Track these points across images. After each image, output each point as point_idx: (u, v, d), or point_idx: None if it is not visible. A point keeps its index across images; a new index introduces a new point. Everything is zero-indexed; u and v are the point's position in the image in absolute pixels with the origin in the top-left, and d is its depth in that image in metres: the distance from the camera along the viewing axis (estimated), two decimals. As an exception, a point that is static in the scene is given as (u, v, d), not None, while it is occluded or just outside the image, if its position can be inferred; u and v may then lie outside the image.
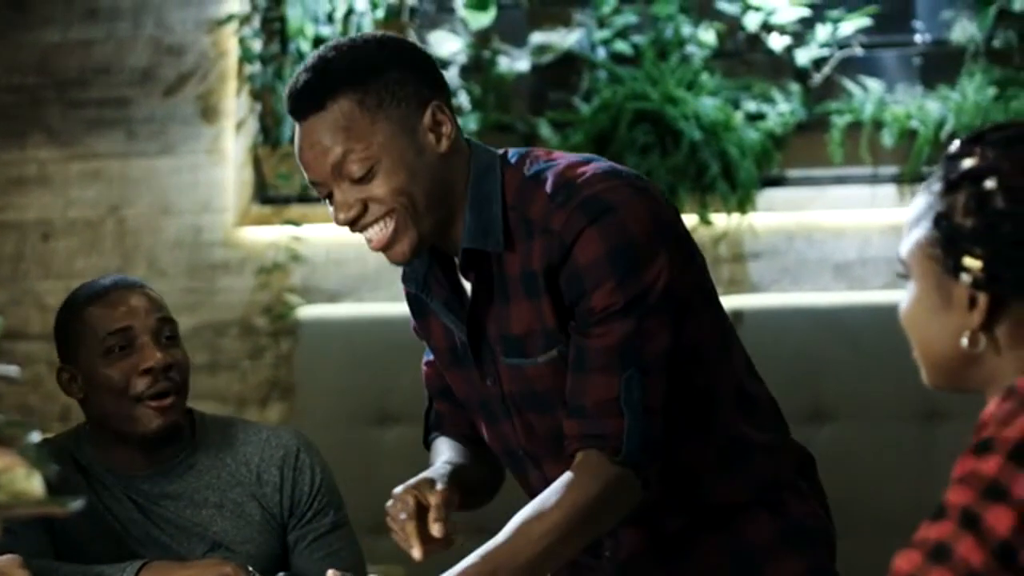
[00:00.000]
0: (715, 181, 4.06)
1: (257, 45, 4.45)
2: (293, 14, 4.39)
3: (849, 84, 4.12)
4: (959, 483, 1.36)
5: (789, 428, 2.19)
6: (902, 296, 1.54)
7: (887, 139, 4.03)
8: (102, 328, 2.40)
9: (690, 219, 4.11)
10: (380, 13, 4.37)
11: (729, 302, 3.92)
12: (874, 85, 4.11)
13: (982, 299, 1.45)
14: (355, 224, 2.00)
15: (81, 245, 4.55)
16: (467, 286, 2.08)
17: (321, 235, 4.36)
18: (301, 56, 4.37)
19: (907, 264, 1.52)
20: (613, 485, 1.95)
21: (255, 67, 4.45)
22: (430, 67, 2.04)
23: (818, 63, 4.15)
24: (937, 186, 1.49)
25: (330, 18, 4.39)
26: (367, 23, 4.37)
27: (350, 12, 4.38)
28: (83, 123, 4.57)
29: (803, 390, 3.80)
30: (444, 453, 2.17)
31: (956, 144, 1.51)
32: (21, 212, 4.59)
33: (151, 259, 4.50)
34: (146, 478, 2.43)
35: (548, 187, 1.98)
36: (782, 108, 4.13)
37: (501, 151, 2.07)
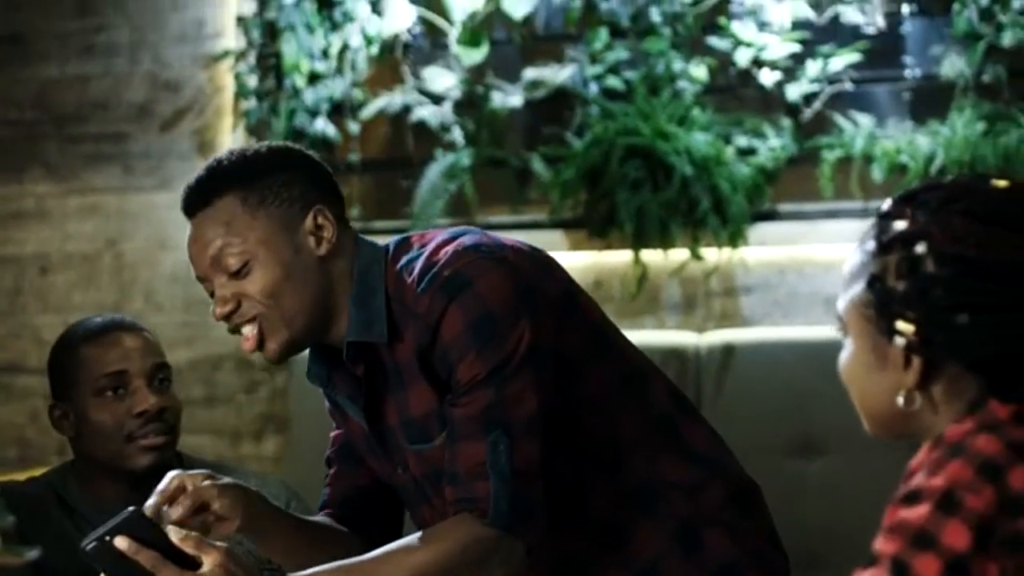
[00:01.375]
0: (707, 216, 4.09)
1: (253, 81, 4.48)
2: (288, 50, 4.42)
3: (839, 119, 4.14)
4: (889, 532, 1.39)
5: (728, 459, 2.18)
6: (842, 351, 1.56)
7: (877, 173, 4.06)
8: (96, 369, 2.42)
9: (682, 253, 4.14)
10: (374, 49, 4.40)
11: (720, 336, 3.99)
12: (864, 120, 4.13)
13: (916, 361, 1.47)
14: (229, 320, 2.05)
15: (79, 279, 4.57)
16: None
17: (316, 269, 4.38)
18: (296, 92, 4.40)
19: (843, 321, 1.55)
20: (481, 545, 1.97)
21: (251, 103, 4.47)
22: (320, 174, 2.11)
23: (809, 98, 4.18)
24: (870, 246, 1.52)
25: (325, 54, 4.42)
26: (361, 59, 4.40)
27: (344, 48, 4.41)
28: (81, 158, 4.60)
29: (794, 424, 3.81)
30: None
31: (888, 203, 1.53)
32: (19, 246, 4.62)
33: (148, 293, 4.52)
34: None
35: (415, 275, 2.03)
36: (773, 143, 4.15)
37: (385, 244, 2.12)
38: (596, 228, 4.20)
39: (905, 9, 4.18)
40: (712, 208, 4.09)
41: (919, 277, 1.47)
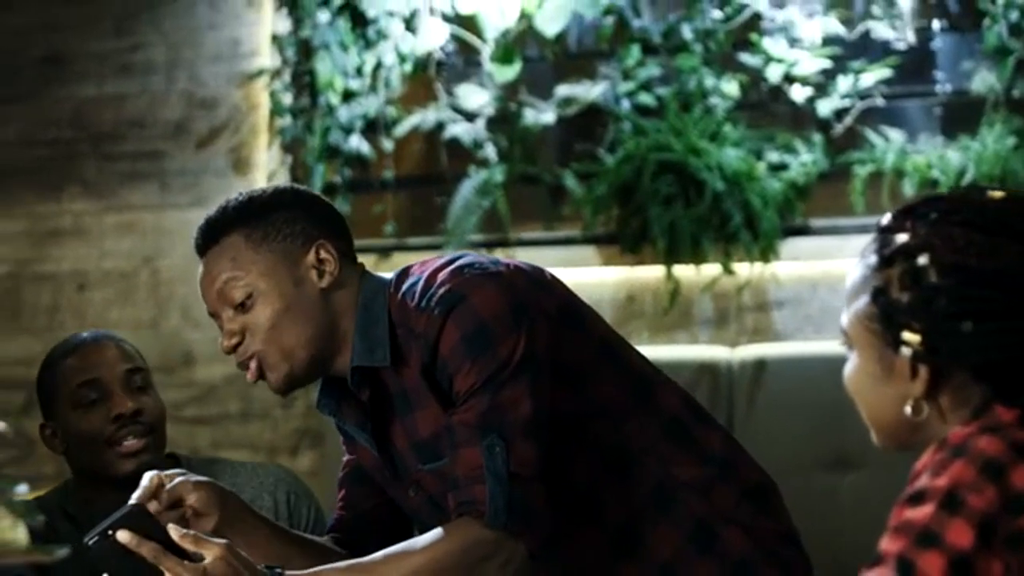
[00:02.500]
0: (738, 231, 4.11)
1: (288, 98, 4.52)
2: (323, 68, 4.46)
3: (871, 134, 4.16)
4: (894, 532, 1.42)
5: (742, 459, 2.21)
6: (847, 364, 1.59)
7: (908, 188, 4.07)
8: (73, 380, 2.48)
9: (714, 269, 4.16)
10: (408, 67, 4.44)
11: (753, 351, 4.01)
12: (895, 135, 4.14)
13: (923, 370, 1.50)
14: (235, 352, 2.14)
15: (116, 296, 4.61)
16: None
17: (351, 285, 4.41)
18: (331, 109, 4.44)
19: (848, 335, 1.58)
20: (480, 547, 2.01)
21: (285, 120, 4.52)
22: (324, 212, 2.20)
23: (840, 114, 4.19)
24: (872, 260, 1.55)
25: (359, 72, 4.46)
26: (395, 77, 4.44)
27: (378, 66, 4.45)
28: (118, 176, 4.65)
29: (827, 438, 3.82)
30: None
31: (888, 217, 1.56)
32: (57, 264, 4.66)
33: (184, 309, 4.56)
34: None
35: (415, 298, 2.10)
36: (804, 158, 4.17)
37: (389, 275, 2.19)
38: (628, 244, 4.22)
39: (936, 25, 4.19)
40: (744, 223, 4.11)
41: (923, 288, 1.50)
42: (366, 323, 2.13)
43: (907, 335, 1.50)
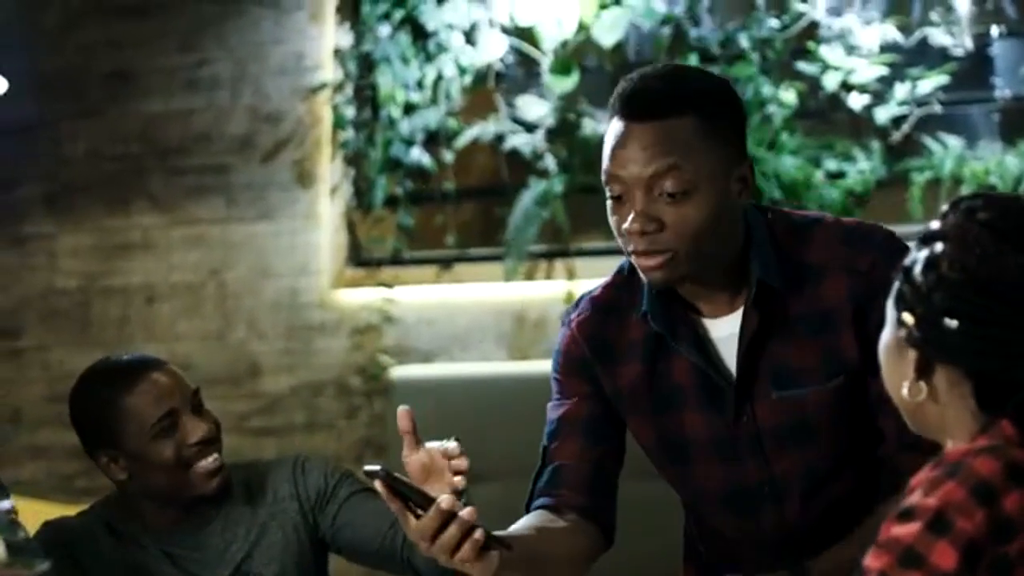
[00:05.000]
0: (796, 239, 4.11)
1: (350, 112, 4.57)
2: (384, 81, 4.51)
3: (929, 141, 4.16)
4: (879, 548, 1.42)
5: None
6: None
7: (967, 195, 4.07)
8: (148, 416, 2.46)
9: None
10: (468, 79, 4.48)
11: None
12: (953, 142, 4.14)
13: (911, 353, 1.51)
14: (642, 236, 2.00)
15: (183, 308, 4.67)
16: (720, 327, 2.10)
17: (412, 296, 4.46)
18: (392, 122, 4.49)
19: (886, 308, 1.58)
20: None
21: (348, 133, 4.57)
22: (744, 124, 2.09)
23: (897, 121, 4.19)
24: (916, 241, 1.56)
25: (420, 85, 4.50)
26: (455, 89, 4.47)
27: (439, 79, 4.49)
28: (184, 190, 4.71)
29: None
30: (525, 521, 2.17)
31: (946, 205, 1.57)
32: (126, 277, 4.73)
33: (251, 321, 4.61)
34: (180, 532, 2.52)
35: (837, 234, 2.08)
36: (862, 166, 4.17)
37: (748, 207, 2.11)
38: (687, 252, 4.23)
39: (994, 30, 4.19)
40: (802, 231, 4.10)
41: (932, 275, 1.50)
42: (758, 243, 2.06)
43: (905, 316, 1.51)
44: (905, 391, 1.53)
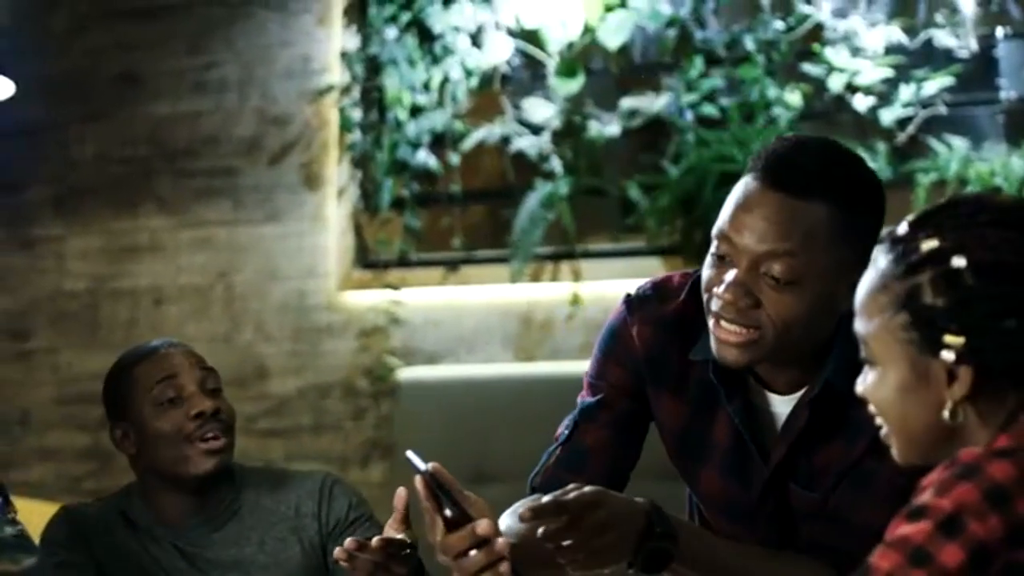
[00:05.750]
0: (802, 241, 4.11)
1: (357, 114, 4.58)
2: (391, 84, 4.52)
3: (934, 143, 4.15)
4: (888, 547, 1.41)
5: None
6: (866, 377, 1.57)
7: (972, 196, 4.07)
8: (149, 380, 2.53)
9: (778, 278, 4.17)
10: (474, 82, 4.49)
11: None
12: (959, 143, 4.13)
13: (964, 372, 1.49)
14: (731, 305, 1.93)
15: (191, 310, 4.69)
16: (776, 402, 2.03)
17: (419, 298, 4.46)
18: (399, 124, 4.50)
19: (872, 348, 1.56)
20: None
21: (355, 135, 4.58)
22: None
23: (903, 122, 4.19)
24: (893, 269, 1.53)
25: (426, 87, 4.51)
26: (461, 91, 4.49)
27: (445, 81, 4.50)
28: (192, 192, 4.72)
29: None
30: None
31: (904, 228, 1.55)
32: (134, 279, 4.74)
33: (258, 323, 4.62)
34: (193, 527, 2.55)
35: None
36: (868, 167, 4.17)
37: None
38: (693, 254, 4.23)
39: (999, 32, 4.19)
40: (807, 233, 4.10)
41: (960, 289, 1.49)
42: (843, 340, 1.91)
43: (949, 338, 1.49)
44: (947, 415, 1.50)
